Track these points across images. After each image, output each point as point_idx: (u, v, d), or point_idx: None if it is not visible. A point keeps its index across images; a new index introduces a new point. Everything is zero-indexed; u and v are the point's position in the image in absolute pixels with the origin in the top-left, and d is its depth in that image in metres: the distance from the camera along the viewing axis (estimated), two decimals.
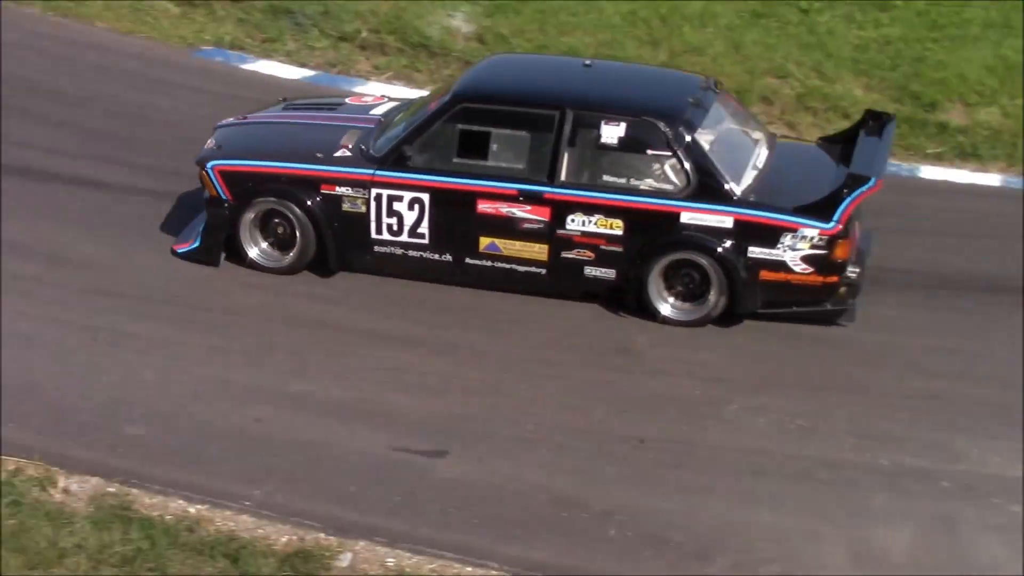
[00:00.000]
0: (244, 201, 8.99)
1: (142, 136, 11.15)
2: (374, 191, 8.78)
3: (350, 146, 9.03)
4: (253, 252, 9.14)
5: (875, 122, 9.15)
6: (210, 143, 9.37)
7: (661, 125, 8.51)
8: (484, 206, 8.68)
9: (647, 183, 8.55)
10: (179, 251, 9.31)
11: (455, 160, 8.71)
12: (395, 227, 8.85)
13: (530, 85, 9.05)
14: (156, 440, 7.47)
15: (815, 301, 8.59)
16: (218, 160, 9.06)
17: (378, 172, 8.78)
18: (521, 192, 8.63)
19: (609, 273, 8.71)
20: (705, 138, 8.63)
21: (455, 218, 8.76)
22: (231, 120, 9.79)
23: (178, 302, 8.85)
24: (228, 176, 9.00)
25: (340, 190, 8.83)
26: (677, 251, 8.53)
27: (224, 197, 9.03)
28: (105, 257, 9.29)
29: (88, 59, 12.56)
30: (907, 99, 11.82)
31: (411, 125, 8.85)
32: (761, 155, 9.01)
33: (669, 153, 8.49)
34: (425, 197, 8.74)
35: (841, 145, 9.18)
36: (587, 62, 9.32)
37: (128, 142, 11.01)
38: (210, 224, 9.17)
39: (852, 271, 8.67)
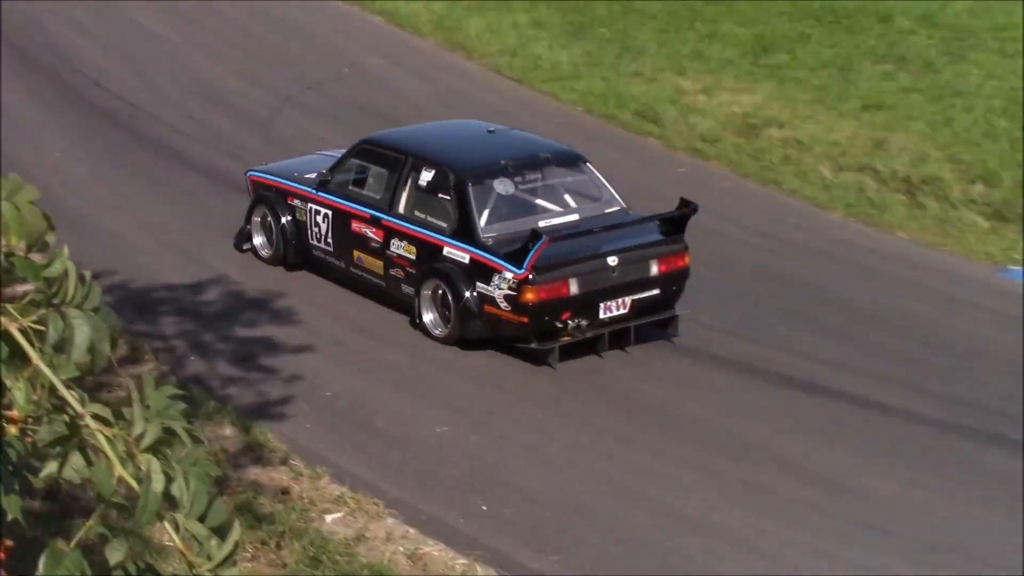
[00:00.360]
0: (257, 202, 12.66)
1: (935, 359, 11.19)
2: (309, 205, 12.21)
3: (322, 171, 12.27)
4: (256, 241, 12.65)
5: (683, 207, 11.27)
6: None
7: (451, 174, 11.26)
8: (355, 225, 11.82)
9: (434, 219, 11.28)
10: (233, 241, 12.80)
11: (349, 187, 11.99)
12: (318, 234, 12.17)
13: (406, 137, 12.22)
14: None
15: (521, 338, 10.89)
16: (253, 171, 12.97)
17: (313, 191, 12.20)
18: (371, 216, 11.67)
19: (411, 290, 11.34)
20: (490, 190, 11.22)
21: (342, 232, 11.94)
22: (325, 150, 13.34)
23: (958, 551, 8.68)
24: (255, 183, 12.80)
25: (295, 202, 12.35)
26: (435, 277, 11.13)
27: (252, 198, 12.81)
28: (884, 490, 9.37)
29: (886, 270, 12.90)
30: None
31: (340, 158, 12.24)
32: (566, 218, 11.39)
33: (449, 197, 11.19)
34: (330, 213, 12.03)
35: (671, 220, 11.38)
36: (491, 128, 12.27)
37: (920, 364, 11.10)
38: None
39: (573, 320, 10.84)
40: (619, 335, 11.09)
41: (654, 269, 11.24)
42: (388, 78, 17.71)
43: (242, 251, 12.71)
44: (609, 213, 11.56)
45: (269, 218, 12.47)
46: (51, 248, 2.68)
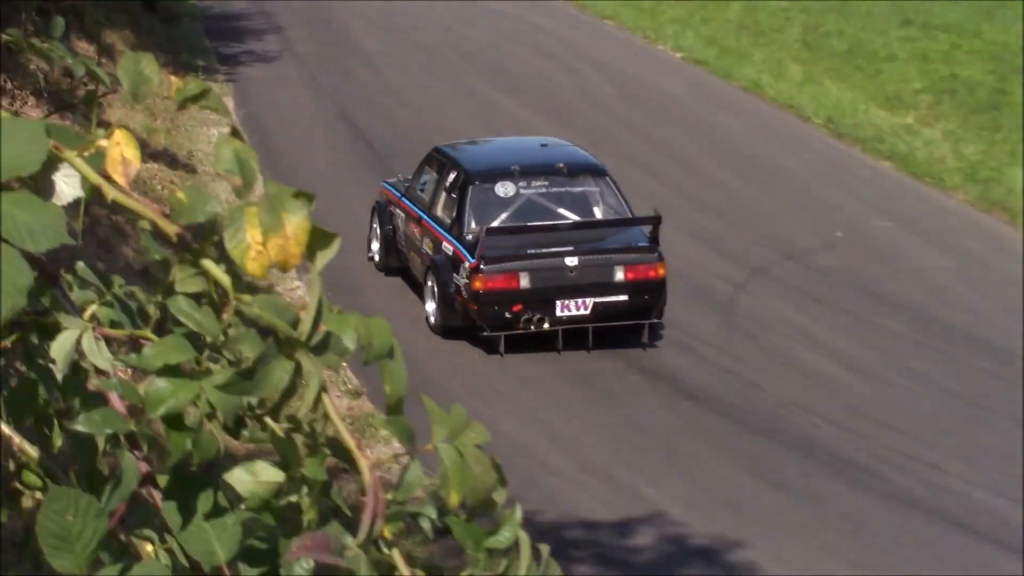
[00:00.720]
0: (373, 211, 17.84)
1: None
2: (397, 209, 17.19)
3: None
4: (373, 247, 17.53)
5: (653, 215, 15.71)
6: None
7: (461, 176, 16.01)
8: (411, 225, 16.61)
9: (446, 217, 15.92)
10: None
11: (417, 191, 16.83)
12: (400, 236, 17.01)
13: (463, 145, 17.36)
14: None
15: (479, 327, 15.28)
16: (385, 182, 18.12)
17: (399, 196, 17.23)
18: (418, 216, 16.39)
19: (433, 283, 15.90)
20: (490, 192, 15.86)
21: (406, 232, 16.83)
22: None
23: None
24: (380, 192, 18.02)
25: (391, 207, 17.40)
26: (431, 270, 15.77)
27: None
28: None
29: None
30: None
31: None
32: (561, 222, 15.80)
33: (456, 195, 15.84)
34: (403, 215, 16.89)
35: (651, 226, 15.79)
36: (545, 142, 17.64)
37: None
38: None
39: (526, 313, 15.13)
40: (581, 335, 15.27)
41: (620, 275, 15.37)
42: (897, 246, 17.64)
43: (369, 260, 17.44)
44: (610, 220, 16.00)
45: (378, 225, 17.42)
46: (498, 508, 2.71)
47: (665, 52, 26.64)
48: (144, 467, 2.58)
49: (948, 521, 12.31)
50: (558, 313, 15.29)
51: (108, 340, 2.64)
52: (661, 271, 15.37)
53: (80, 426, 2.56)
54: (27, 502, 2.73)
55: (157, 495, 2.61)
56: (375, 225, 17.57)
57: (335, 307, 2.55)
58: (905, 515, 12.41)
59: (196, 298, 2.57)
